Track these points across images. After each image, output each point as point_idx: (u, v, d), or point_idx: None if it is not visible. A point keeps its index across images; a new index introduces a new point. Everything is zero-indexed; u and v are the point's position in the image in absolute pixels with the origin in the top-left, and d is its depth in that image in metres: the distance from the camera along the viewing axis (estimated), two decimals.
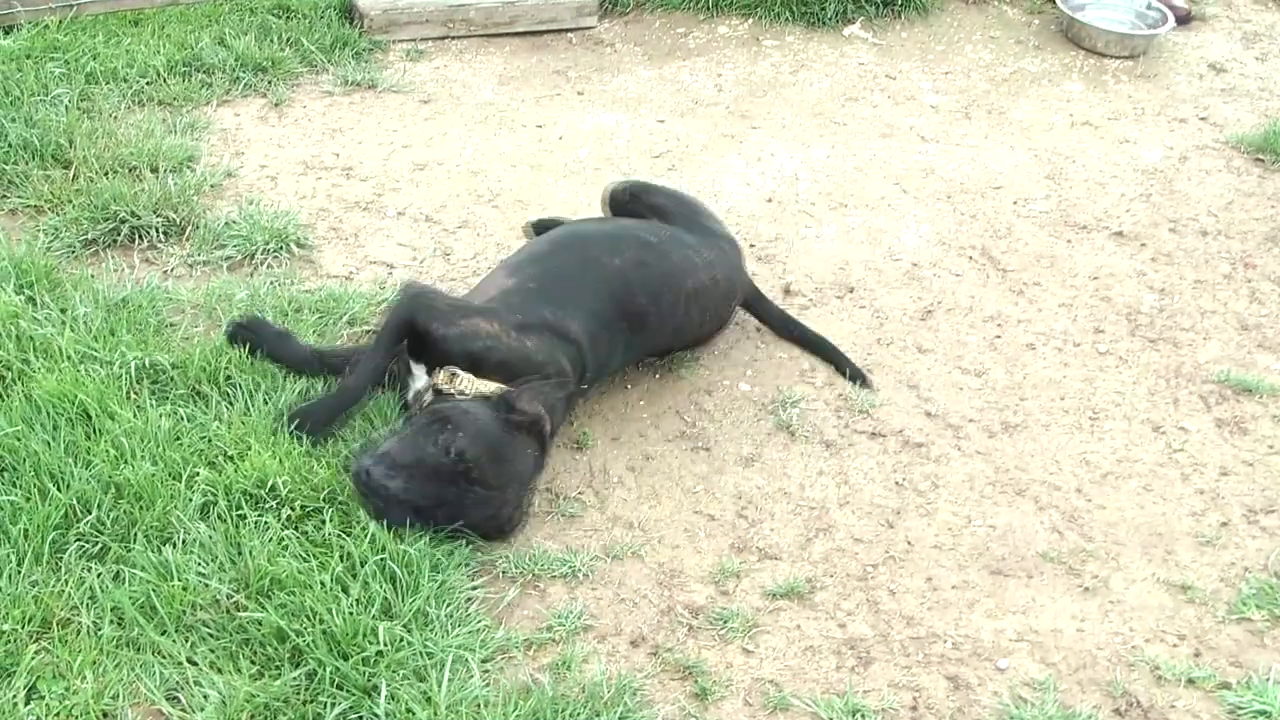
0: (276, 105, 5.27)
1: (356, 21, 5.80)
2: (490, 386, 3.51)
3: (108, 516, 3.28)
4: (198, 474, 3.39)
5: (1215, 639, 3.38)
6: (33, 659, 2.97)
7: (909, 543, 3.61)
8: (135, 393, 3.66)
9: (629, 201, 4.23)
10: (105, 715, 2.90)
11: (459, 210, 4.78)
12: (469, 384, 3.51)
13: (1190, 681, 3.26)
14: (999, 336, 4.35)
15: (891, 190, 5.04)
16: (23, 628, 3.03)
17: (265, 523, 3.29)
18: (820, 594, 3.44)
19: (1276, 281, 4.67)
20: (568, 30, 6.03)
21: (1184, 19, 6.36)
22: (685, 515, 3.64)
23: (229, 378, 3.71)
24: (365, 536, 3.24)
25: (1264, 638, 3.39)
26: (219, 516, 3.31)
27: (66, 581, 3.15)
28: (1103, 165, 5.31)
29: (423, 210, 4.76)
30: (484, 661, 3.11)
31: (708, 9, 6.17)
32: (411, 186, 4.89)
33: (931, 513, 3.71)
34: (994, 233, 4.84)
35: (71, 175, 4.58)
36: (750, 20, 6.16)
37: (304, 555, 3.22)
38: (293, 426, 3.55)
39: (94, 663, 2.98)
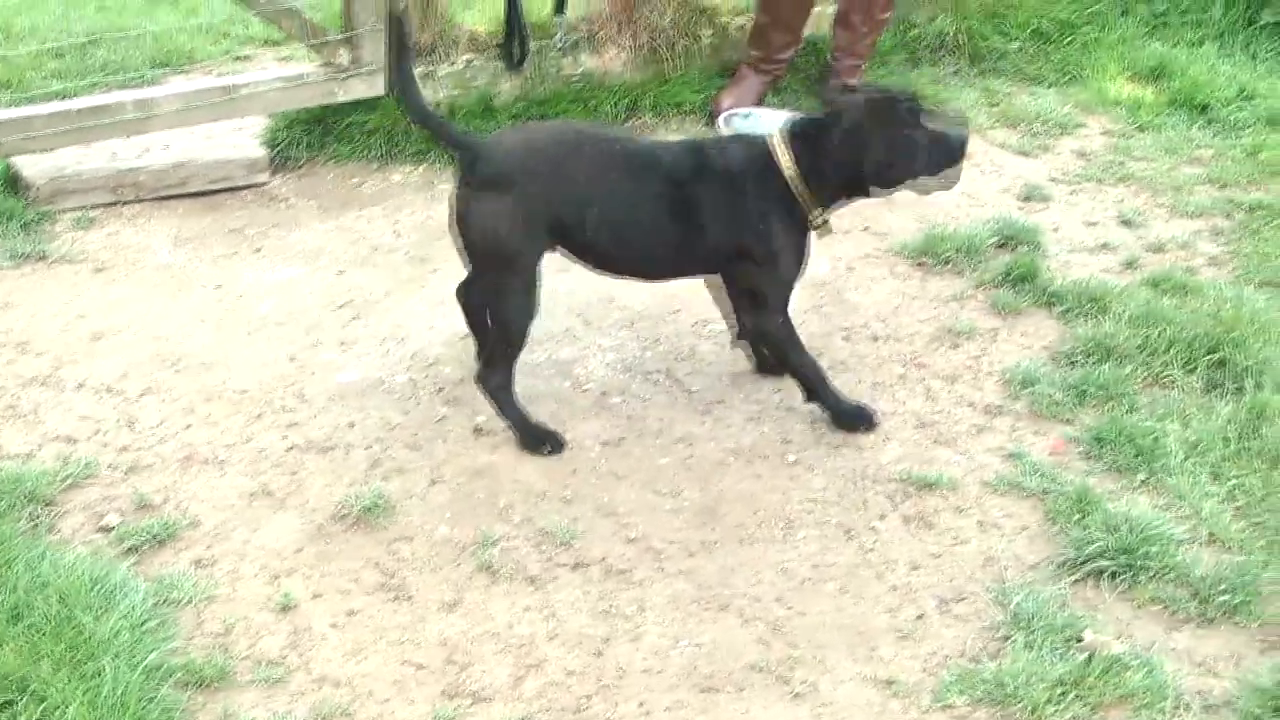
0: None
1: (21, 192, 5.66)
2: None
3: None
4: None
5: None
6: None
7: (620, 669, 3.63)
8: None
9: None
10: None
11: (141, 378, 4.68)
12: None
13: None
14: (690, 456, 4.44)
15: (575, 322, 5.12)
16: None
17: None
18: None
19: (946, 379, 4.88)
20: (241, 188, 5.99)
21: None
22: (393, 667, 3.60)
23: None
24: None
25: None
26: None
27: None
28: None
29: (103, 380, 4.65)
30: None
31: (380, 157, 6.21)
32: (89, 357, 4.78)
33: (639, 637, 3.74)
34: (677, 355, 4.96)
35: None
36: (423, 165, 6.21)
37: None
38: None
39: None
